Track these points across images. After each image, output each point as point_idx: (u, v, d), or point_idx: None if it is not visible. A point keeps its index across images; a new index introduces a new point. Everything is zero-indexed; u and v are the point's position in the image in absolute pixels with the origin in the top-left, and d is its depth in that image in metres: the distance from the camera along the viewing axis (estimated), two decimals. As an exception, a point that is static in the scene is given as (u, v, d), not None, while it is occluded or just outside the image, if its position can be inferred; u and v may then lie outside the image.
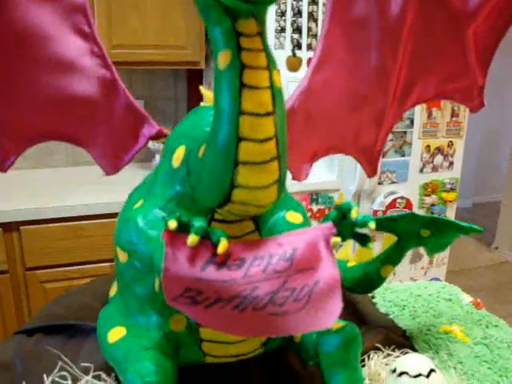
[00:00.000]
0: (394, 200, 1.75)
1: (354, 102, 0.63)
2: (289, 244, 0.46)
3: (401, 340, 0.72)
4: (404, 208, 1.73)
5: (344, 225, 0.48)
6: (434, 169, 1.81)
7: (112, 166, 0.63)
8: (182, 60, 1.75)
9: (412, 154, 1.77)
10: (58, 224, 1.53)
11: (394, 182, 1.77)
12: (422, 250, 0.70)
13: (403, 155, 1.77)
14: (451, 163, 1.83)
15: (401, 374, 0.58)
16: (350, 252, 0.77)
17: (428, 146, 1.78)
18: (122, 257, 0.53)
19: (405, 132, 1.73)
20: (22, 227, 1.51)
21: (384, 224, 0.67)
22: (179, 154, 0.51)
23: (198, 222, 0.42)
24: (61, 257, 1.53)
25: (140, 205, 0.53)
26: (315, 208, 1.65)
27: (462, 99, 0.69)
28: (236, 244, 0.45)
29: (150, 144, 1.80)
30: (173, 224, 0.42)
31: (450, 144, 1.81)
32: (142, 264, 0.50)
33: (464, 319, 0.81)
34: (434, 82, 0.67)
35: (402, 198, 1.77)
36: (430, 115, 1.74)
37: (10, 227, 1.50)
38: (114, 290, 0.59)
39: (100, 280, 0.75)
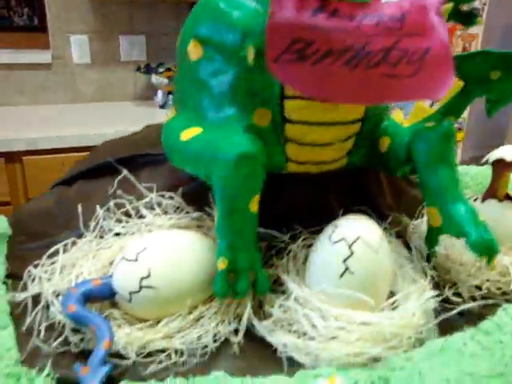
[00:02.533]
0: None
1: None
2: (399, 8, 0.42)
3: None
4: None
5: None
6: (444, 106, 1.79)
7: None
8: (185, -8, 1.69)
9: (422, 91, 1.75)
10: (61, 155, 1.47)
11: (403, 120, 1.75)
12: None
13: (413, 92, 1.74)
14: (460, 101, 1.81)
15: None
16: (401, 116, 0.73)
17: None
18: (195, 53, 0.48)
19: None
20: (24, 158, 1.44)
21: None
22: None
23: None
24: (64, 187, 1.47)
25: None
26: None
27: None
28: (342, 2, 0.40)
29: (153, 78, 1.74)
30: None
31: (460, 82, 1.79)
32: (224, 50, 0.45)
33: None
34: None
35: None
36: (441, 50, 1.72)
37: (13, 158, 1.43)
38: (171, 114, 0.54)
39: (144, 129, 0.69)
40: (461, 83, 0.65)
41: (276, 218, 0.49)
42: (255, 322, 0.43)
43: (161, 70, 1.74)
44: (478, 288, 0.51)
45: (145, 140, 0.61)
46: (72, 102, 1.82)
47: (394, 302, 0.45)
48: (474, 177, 0.78)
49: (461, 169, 0.83)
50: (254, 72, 0.45)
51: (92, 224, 0.51)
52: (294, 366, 0.41)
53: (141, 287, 0.42)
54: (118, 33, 1.79)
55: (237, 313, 0.44)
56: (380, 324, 0.41)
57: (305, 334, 0.42)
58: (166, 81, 1.72)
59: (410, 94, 0.41)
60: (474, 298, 0.51)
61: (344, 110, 0.47)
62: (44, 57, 1.74)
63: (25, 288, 0.48)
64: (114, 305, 0.45)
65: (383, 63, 0.39)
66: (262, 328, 0.43)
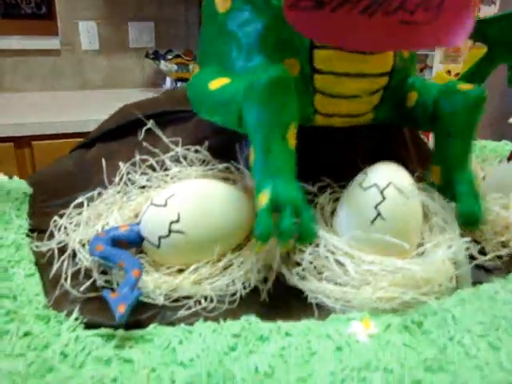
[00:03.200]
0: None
1: None
2: None
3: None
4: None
5: None
6: (453, 95, 1.78)
7: None
8: (195, -21, 1.69)
9: (432, 77, 1.75)
10: (70, 140, 1.46)
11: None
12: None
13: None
14: (470, 90, 1.80)
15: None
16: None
17: (449, 71, 1.74)
18: (223, 5, 0.48)
19: (426, 55, 1.70)
20: (33, 142, 1.44)
21: (475, 26, 0.63)
22: None
23: None
24: (73, 171, 1.47)
25: None
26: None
27: None
28: None
29: (162, 65, 1.74)
30: None
31: (470, 70, 1.78)
32: (253, 0, 0.45)
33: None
34: None
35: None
36: (451, 38, 1.71)
37: (22, 143, 1.43)
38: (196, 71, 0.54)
39: (165, 92, 0.69)
40: (485, 48, 0.65)
41: (302, 171, 0.48)
42: (284, 269, 0.43)
43: (169, 56, 1.73)
44: (504, 246, 0.51)
45: (166, 100, 0.61)
46: (80, 89, 1.81)
47: (423, 252, 0.44)
48: (493, 149, 0.78)
49: (480, 143, 0.82)
50: (284, 21, 0.44)
51: (116, 179, 0.51)
52: (324, 312, 0.41)
53: (170, 231, 0.42)
54: (126, 19, 1.79)
55: (265, 261, 0.44)
56: (412, 270, 0.41)
57: (335, 280, 0.42)
58: (174, 67, 1.72)
59: (428, 41, 0.41)
60: (499, 257, 0.50)
61: (372, 63, 0.47)
62: (53, 43, 1.74)
63: (50, 237, 0.47)
64: (141, 254, 0.45)
65: (400, 10, 0.39)
66: (292, 275, 0.42)
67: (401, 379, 0.32)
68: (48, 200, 0.56)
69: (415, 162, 0.55)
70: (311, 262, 0.43)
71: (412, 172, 0.53)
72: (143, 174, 0.50)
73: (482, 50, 0.66)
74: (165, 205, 0.42)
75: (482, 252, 0.50)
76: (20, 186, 0.60)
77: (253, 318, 0.39)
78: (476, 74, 0.65)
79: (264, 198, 0.39)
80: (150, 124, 0.52)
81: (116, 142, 0.60)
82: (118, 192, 0.49)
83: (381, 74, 0.48)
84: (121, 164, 0.53)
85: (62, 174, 0.60)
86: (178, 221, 0.42)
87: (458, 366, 0.34)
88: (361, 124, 0.50)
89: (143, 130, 0.52)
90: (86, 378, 0.33)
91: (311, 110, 0.48)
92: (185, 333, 0.38)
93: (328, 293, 0.41)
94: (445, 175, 0.48)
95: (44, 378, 0.33)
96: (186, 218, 0.42)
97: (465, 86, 0.47)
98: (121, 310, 0.36)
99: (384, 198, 0.42)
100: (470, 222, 0.47)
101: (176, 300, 0.41)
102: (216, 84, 0.46)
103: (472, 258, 0.48)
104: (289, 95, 0.40)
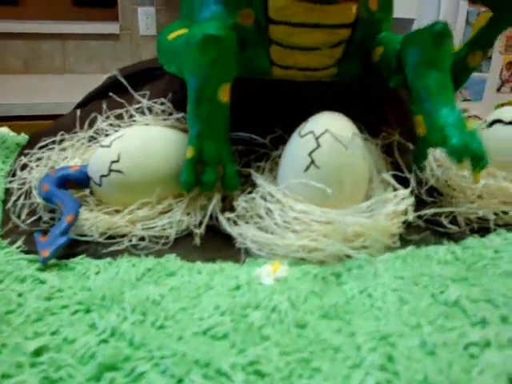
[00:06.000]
0: (466, 119, 1.62)
1: None
2: None
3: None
4: (478, 127, 1.61)
5: None
6: (514, 88, 1.66)
7: None
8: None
9: (490, 70, 1.64)
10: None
11: (467, 100, 1.65)
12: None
13: (480, 71, 1.64)
14: (534, 83, 1.68)
15: (493, 123, 0.51)
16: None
17: (509, 63, 1.64)
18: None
19: (485, 42, 1.60)
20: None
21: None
22: None
23: None
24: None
25: None
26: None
27: None
28: None
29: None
30: None
31: (535, 62, 1.65)
32: None
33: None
34: None
35: (474, 117, 1.64)
36: (515, 25, 1.59)
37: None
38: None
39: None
40: (489, 13, 0.61)
41: (258, 124, 0.48)
42: (219, 215, 0.43)
43: (221, 42, 1.76)
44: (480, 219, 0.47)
45: (151, 61, 0.63)
46: (136, 72, 1.89)
47: (368, 208, 0.42)
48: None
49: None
50: None
51: (85, 126, 0.53)
52: (252, 259, 0.40)
53: (110, 171, 0.43)
54: (182, 6, 1.84)
55: (204, 206, 0.44)
56: (342, 221, 0.39)
57: (263, 227, 0.41)
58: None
59: None
60: (468, 224, 0.47)
61: (331, 13, 0.45)
62: (112, 28, 1.82)
63: (14, 175, 0.50)
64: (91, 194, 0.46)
65: None
66: (224, 219, 0.42)
67: (283, 319, 0.31)
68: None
69: (393, 122, 0.53)
70: (247, 210, 0.42)
71: (389, 133, 0.51)
72: (111, 124, 0.52)
73: (487, 13, 0.61)
74: (109, 146, 0.44)
75: (453, 222, 0.47)
76: (17, 139, 0.64)
77: (172, 257, 0.39)
78: (481, 40, 0.60)
79: (189, 153, 0.42)
80: (116, 72, 0.54)
81: (104, 99, 0.62)
82: (83, 138, 0.51)
83: (341, 26, 0.46)
84: (97, 116, 0.55)
85: (55, 130, 0.63)
86: (117, 161, 0.43)
87: (357, 315, 0.32)
88: (325, 79, 0.49)
89: (106, 77, 0.54)
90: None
91: (267, 61, 0.47)
92: (105, 264, 0.39)
93: (255, 239, 0.40)
94: (427, 118, 0.43)
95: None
96: (125, 159, 0.43)
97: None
98: (44, 254, 0.38)
99: (318, 146, 0.40)
100: (465, 155, 0.41)
101: (111, 237, 0.42)
102: (173, 35, 0.47)
103: (440, 225, 0.46)
104: (221, 53, 0.40)
